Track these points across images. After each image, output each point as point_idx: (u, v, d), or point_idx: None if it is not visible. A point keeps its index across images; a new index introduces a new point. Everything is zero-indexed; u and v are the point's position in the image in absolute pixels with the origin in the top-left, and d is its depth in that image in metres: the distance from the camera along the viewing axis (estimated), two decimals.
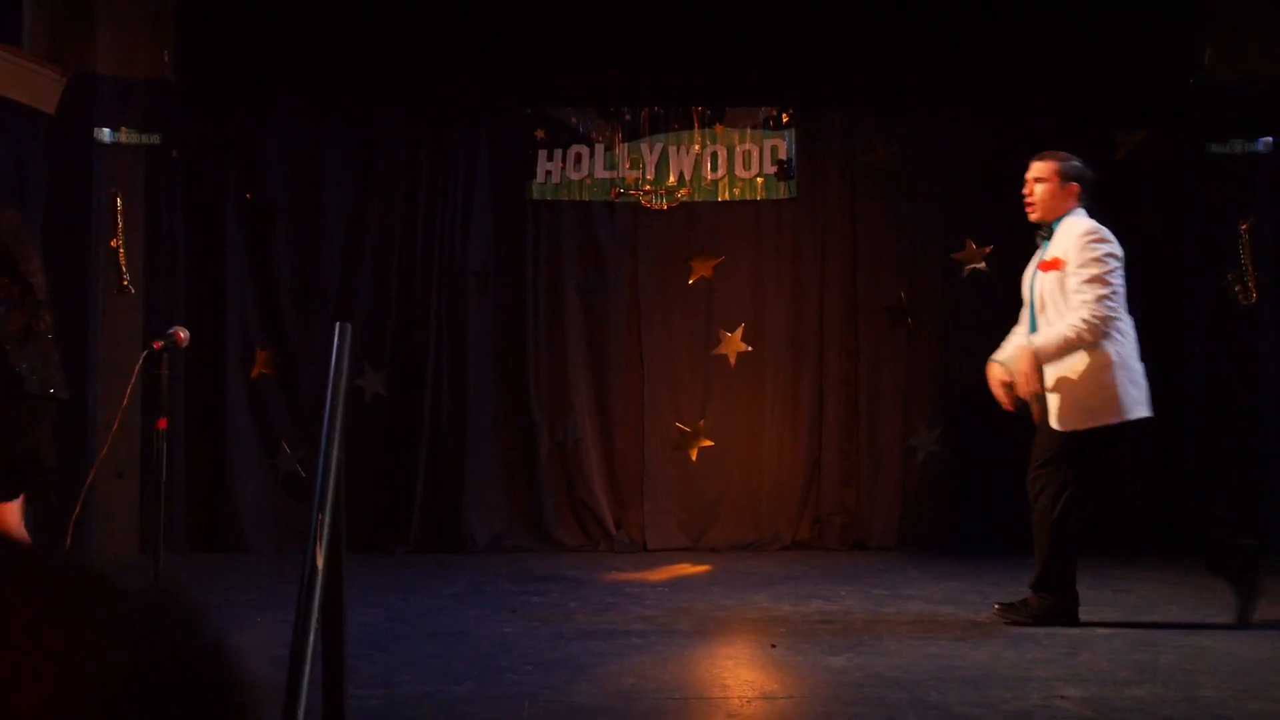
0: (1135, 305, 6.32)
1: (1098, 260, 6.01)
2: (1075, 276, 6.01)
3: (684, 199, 9.25)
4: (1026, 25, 9.00)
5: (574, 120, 9.24)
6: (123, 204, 8.69)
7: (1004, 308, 7.72)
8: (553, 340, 9.15)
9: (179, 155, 8.96)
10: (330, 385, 3.35)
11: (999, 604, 6.28)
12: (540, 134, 9.20)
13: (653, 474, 9.13)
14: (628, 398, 9.18)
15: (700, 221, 9.25)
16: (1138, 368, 6.13)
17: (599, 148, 9.22)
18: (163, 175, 8.90)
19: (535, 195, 9.19)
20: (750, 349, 9.23)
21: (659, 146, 9.23)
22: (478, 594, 7.10)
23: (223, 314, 8.97)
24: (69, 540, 5.40)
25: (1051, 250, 6.16)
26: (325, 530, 3.12)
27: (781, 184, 9.25)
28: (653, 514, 9.10)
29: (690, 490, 9.15)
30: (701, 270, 9.24)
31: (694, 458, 9.18)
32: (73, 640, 0.39)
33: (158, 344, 4.66)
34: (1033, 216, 6.29)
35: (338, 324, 3.60)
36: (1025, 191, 6.31)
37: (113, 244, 8.71)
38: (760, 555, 8.83)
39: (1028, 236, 6.51)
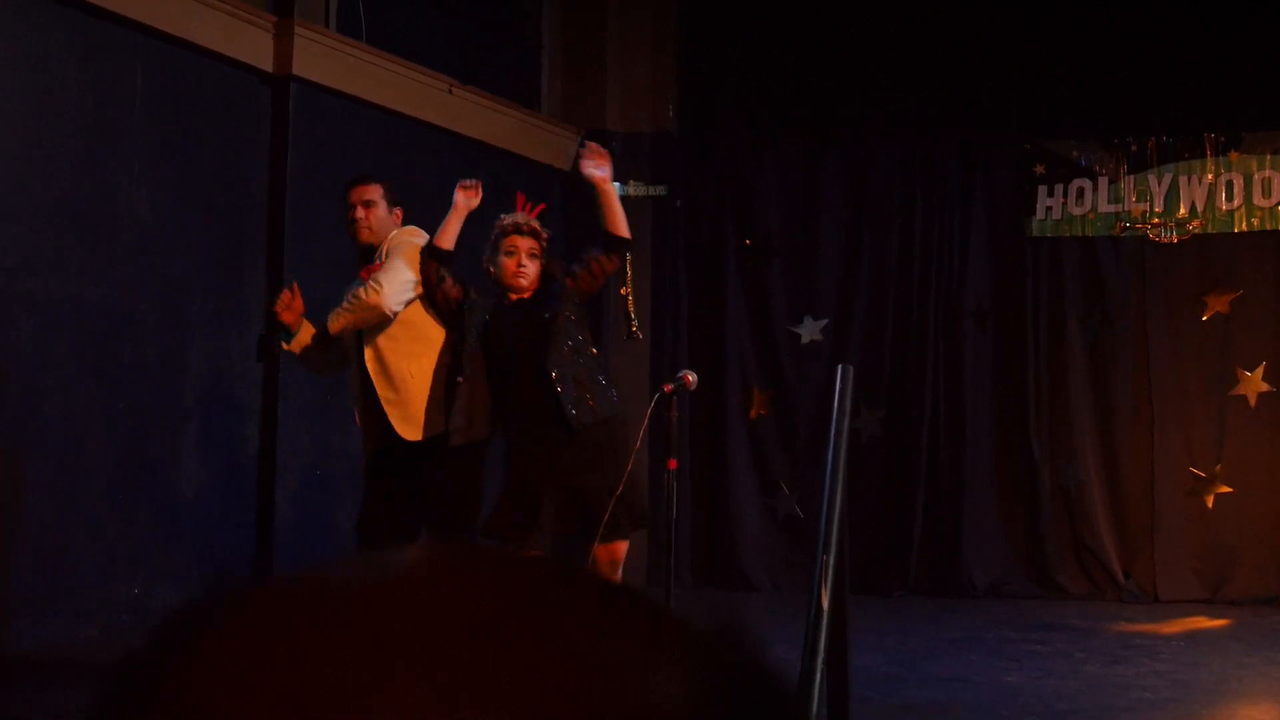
0: None
1: None
2: None
3: (1196, 231, 8.77)
4: None
5: (1075, 153, 8.96)
6: (631, 254, 9.13)
7: None
8: (1054, 380, 8.88)
9: (682, 204, 9.33)
10: (833, 427, 3.37)
11: None
12: (1039, 169, 8.97)
13: (1164, 520, 8.66)
14: (1136, 440, 8.76)
15: (1215, 254, 8.75)
16: None
17: (1102, 180, 8.89)
18: (668, 224, 9.28)
19: (1035, 232, 8.97)
20: (1272, 389, 8.62)
21: (1168, 177, 8.80)
22: (978, 640, 6.95)
23: (723, 356, 9.24)
24: None
25: None
26: (830, 571, 3.15)
27: None
28: (1164, 563, 8.63)
29: (1206, 539, 8.62)
30: (1217, 305, 8.73)
31: (1210, 504, 8.64)
32: (653, 666, 0.40)
33: (668, 387, 4.82)
34: None
35: (839, 366, 3.63)
36: None
37: (622, 292, 9.14)
38: None
39: None
